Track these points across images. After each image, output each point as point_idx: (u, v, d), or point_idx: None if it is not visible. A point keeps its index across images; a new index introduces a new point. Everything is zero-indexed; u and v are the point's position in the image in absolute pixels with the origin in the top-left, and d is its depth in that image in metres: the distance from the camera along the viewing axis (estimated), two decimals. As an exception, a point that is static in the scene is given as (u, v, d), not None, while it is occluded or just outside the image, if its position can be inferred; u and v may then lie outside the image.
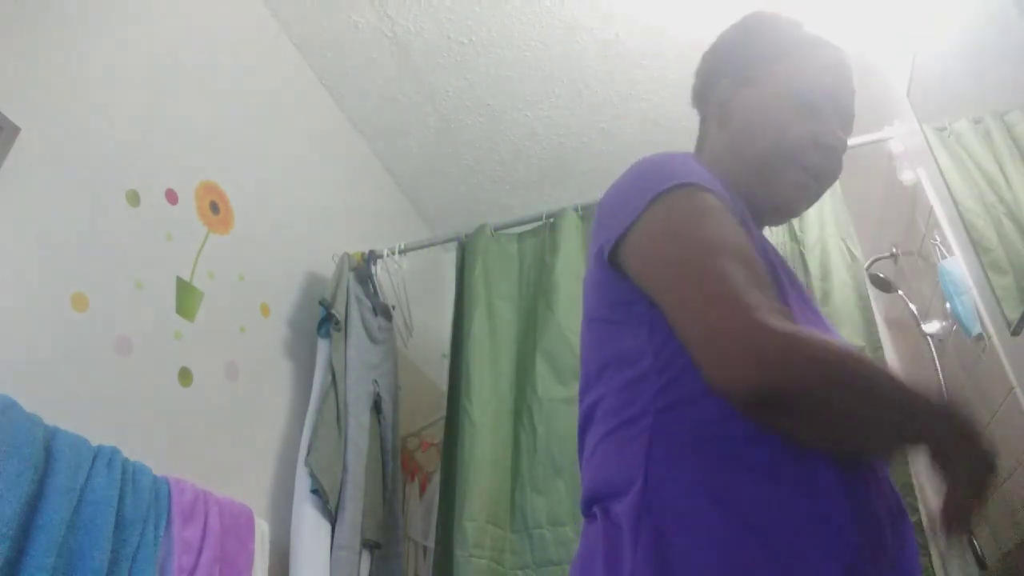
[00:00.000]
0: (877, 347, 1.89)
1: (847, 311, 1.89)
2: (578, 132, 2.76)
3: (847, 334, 1.92)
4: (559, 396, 1.99)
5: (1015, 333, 1.37)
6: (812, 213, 2.00)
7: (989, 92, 1.49)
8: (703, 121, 0.98)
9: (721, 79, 0.93)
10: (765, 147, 0.86)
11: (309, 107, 2.52)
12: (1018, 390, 1.61)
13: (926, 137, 1.64)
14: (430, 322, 2.96)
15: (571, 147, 2.83)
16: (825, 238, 1.98)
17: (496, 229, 2.34)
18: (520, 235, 2.34)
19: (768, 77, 0.89)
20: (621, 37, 2.40)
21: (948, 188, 1.58)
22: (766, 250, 0.81)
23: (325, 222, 2.50)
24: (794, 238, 2.02)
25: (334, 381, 2.01)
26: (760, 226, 0.91)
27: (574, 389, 1.94)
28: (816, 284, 1.93)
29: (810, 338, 0.64)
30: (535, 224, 2.33)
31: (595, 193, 2.48)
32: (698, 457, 0.66)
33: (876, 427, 0.66)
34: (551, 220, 2.30)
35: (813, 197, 0.89)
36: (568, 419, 1.93)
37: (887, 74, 2.02)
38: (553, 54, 2.45)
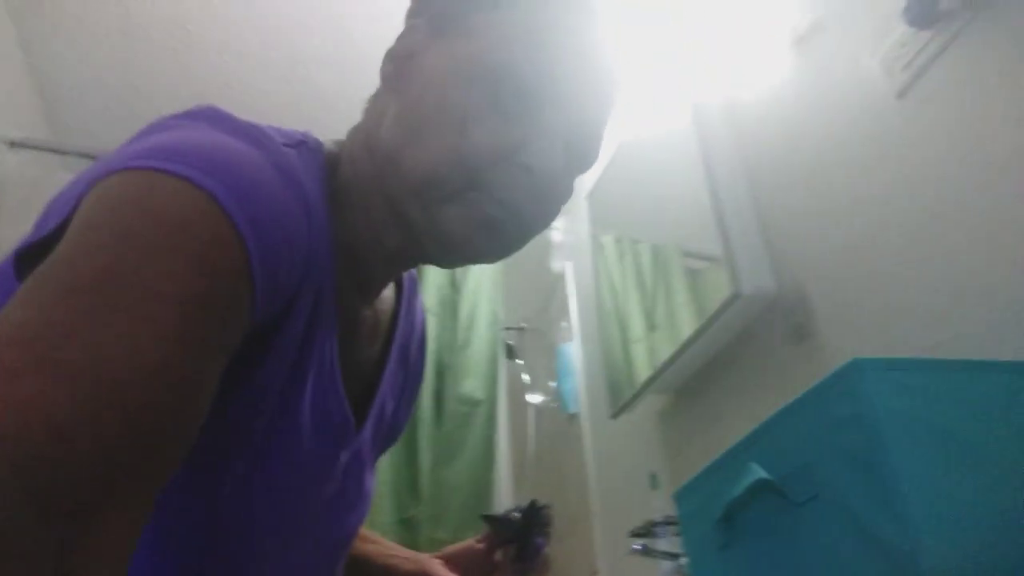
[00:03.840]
0: (493, 402, 2.06)
1: (479, 364, 2.04)
2: (284, 105, 2.57)
3: (474, 385, 2.06)
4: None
5: (614, 417, 1.61)
6: (474, 268, 2.14)
7: (631, 220, 1.79)
8: (372, 96, 0.62)
9: (416, 18, 0.58)
10: (432, 152, 0.51)
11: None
12: (589, 465, 1.90)
13: (593, 241, 1.88)
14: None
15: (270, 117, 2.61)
16: (479, 292, 2.13)
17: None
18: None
19: (469, 33, 0.54)
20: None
21: (598, 287, 1.82)
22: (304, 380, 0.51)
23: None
24: (453, 285, 2.12)
25: None
26: (402, 266, 0.64)
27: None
28: (461, 331, 2.05)
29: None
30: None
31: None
32: None
33: None
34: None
35: (504, 234, 0.54)
36: None
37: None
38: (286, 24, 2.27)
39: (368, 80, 0.61)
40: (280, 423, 0.50)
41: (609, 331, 1.76)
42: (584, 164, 0.58)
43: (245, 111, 0.51)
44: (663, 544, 1.26)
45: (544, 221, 0.57)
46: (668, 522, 1.27)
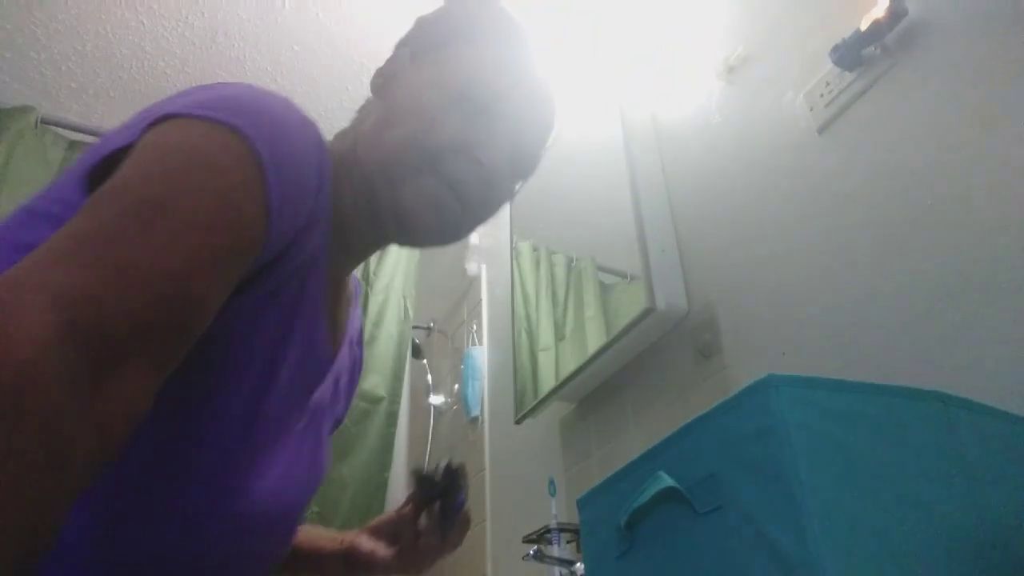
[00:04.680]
0: (396, 401, 2.01)
1: (384, 361, 1.99)
2: (193, 75, 2.43)
3: (377, 381, 2.01)
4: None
5: (518, 423, 1.61)
6: (390, 262, 2.09)
7: (550, 229, 1.80)
8: (362, 107, 0.77)
9: (403, 47, 0.72)
10: (401, 135, 0.63)
11: None
12: (487, 471, 1.88)
13: (513, 245, 1.88)
14: None
15: (176, 85, 2.46)
16: (391, 288, 2.08)
17: (44, 121, 1.87)
18: (72, 143, 1.92)
19: (446, 59, 0.67)
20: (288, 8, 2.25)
21: (513, 292, 1.82)
22: (290, 336, 0.59)
23: None
24: (367, 279, 2.07)
25: None
26: (378, 244, 0.72)
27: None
28: (368, 326, 1.99)
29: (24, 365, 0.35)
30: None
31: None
32: None
33: None
34: (122, 146, 1.94)
35: (451, 218, 0.64)
36: None
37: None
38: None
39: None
40: (278, 352, 0.58)
41: (519, 337, 1.76)
42: (524, 172, 0.71)
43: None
44: (557, 551, 1.26)
45: (486, 212, 0.67)
46: (563, 529, 1.27)
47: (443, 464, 0.82)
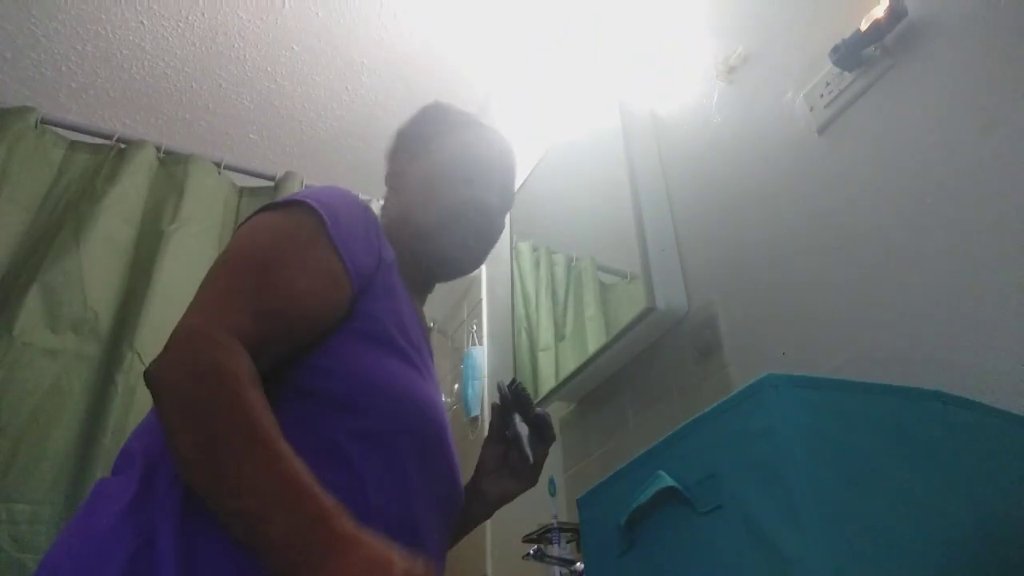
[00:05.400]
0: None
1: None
2: (193, 75, 2.43)
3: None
4: (43, 344, 1.60)
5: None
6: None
7: (550, 229, 1.80)
8: (387, 194, 1.05)
9: (399, 154, 1.02)
10: (430, 210, 0.93)
11: None
12: (487, 471, 1.88)
13: (512, 245, 1.88)
14: None
15: (176, 85, 2.47)
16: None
17: (44, 121, 1.87)
18: (73, 144, 1.91)
19: (438, 151, 0.98)
20: (287, 10, 2.25)
21: (513, 292, 1.82)
22: (401, 313, 0.82)
23: None
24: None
25: None
26: (429, 286, 0.99)
27: (66, 342, 1.63)
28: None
29: (225, 366, 0.63)
30: (98, 141, 1.94)
31: (180, 143, 2.20)
32: None
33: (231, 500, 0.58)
34: (122, 146, 1.94)
35: (477, 255, 0.97)
36: (42, 375, 1.56)
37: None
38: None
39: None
40: (402, 319, 0.81)
41: (519, 337, 1.76)
42: (508, 202, 1.02)
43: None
44: (557, 550, 1.26)
45: (493, 241, 0.99)
46: (564, 528, 1.27)
47: (507, 383, 0.98)
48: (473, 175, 0.96)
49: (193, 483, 0.60)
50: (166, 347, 0.64)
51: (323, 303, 0.73)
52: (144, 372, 0.64)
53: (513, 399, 0.97)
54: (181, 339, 0.64)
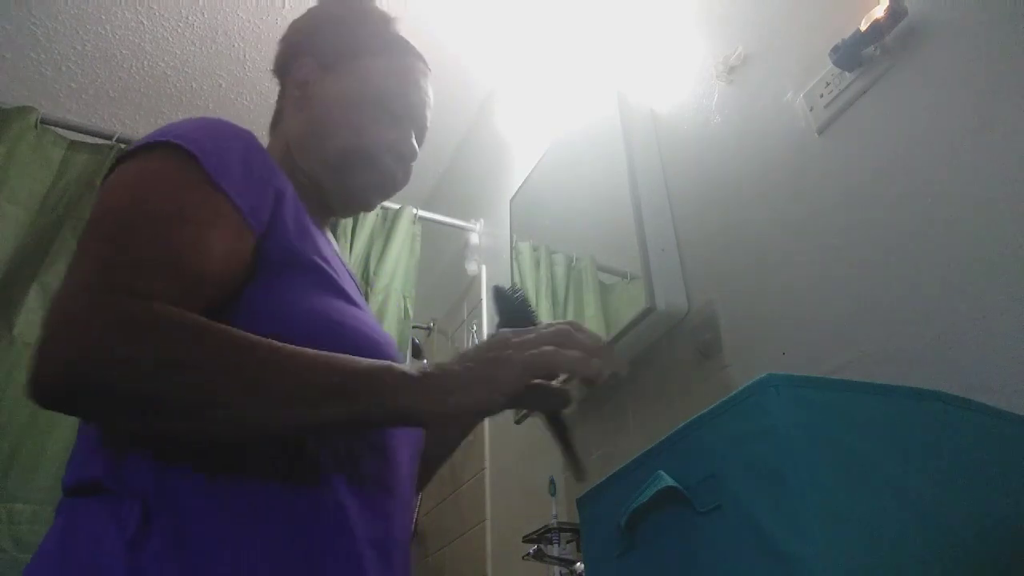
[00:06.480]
0: (395, 401, 2.00)
1: (384, 361, 1.98)
2: (193, 75, 2.43)
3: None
4: (43, 343, 1.60)
5: (518, 423, 1.61)
6: (390, 262, 2.09)
7: (550, 229, 1.80)
8: (281, 94, 0.92)
9: (306, 56, 0.88)
10: (340, 144, 0.83)
11: None
12: (487, 470, 1.88)
13: (512, 245, 1.88)
14: None
15: (176, 85, 2.46)
16: (391, 289, 2.08)
17: (44, 121, 1.87)
18: (73, 143, 1.91)
19: (353, 71, 0.86)
20: (286, 11, 2.25)
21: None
22: (320, 247, 0.75)
23: None
24: (366, 279, 2.07)
25: None
26: (329, 215, 0.89)
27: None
28: (368, 327, 1.99)
29: (151, 309, 0.55)
30: (99, 141, 1.94)
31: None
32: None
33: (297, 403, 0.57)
34: (122, 146, 1.94)
35: (384, 196, 0.89)
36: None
37: (499, 176, 2.29)
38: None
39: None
40: (320, 253, 0.74)
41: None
42: (422, 140, 0.91)
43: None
44: (557, 550, 1.26)
45: (398, 189, 0.89)
46: (563, 528, 1.27)
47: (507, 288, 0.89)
48: (402, 112, 0.86)
49: (240, 431, 0.58)
50: (51, 336, 0.52)
51: (223, 255, 0.63)
52: (44, 377, 0.52)
53: (515, 309, 0.86)
54: (80, 316, 0.53)
